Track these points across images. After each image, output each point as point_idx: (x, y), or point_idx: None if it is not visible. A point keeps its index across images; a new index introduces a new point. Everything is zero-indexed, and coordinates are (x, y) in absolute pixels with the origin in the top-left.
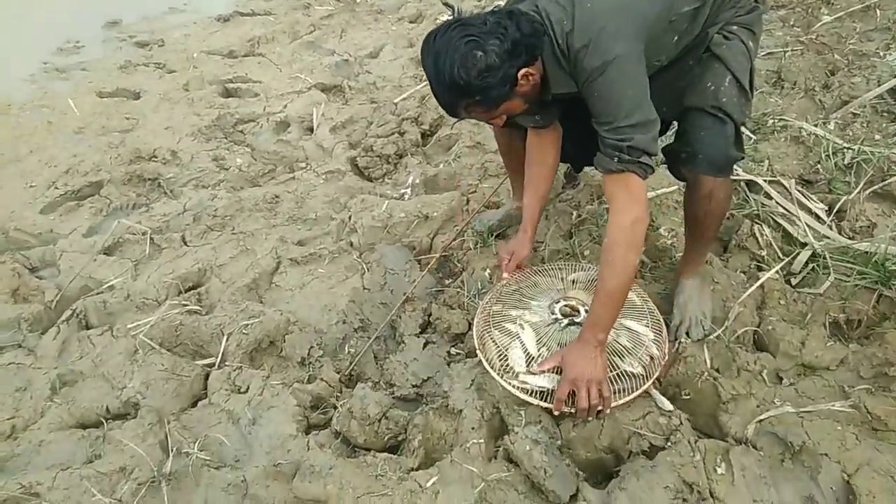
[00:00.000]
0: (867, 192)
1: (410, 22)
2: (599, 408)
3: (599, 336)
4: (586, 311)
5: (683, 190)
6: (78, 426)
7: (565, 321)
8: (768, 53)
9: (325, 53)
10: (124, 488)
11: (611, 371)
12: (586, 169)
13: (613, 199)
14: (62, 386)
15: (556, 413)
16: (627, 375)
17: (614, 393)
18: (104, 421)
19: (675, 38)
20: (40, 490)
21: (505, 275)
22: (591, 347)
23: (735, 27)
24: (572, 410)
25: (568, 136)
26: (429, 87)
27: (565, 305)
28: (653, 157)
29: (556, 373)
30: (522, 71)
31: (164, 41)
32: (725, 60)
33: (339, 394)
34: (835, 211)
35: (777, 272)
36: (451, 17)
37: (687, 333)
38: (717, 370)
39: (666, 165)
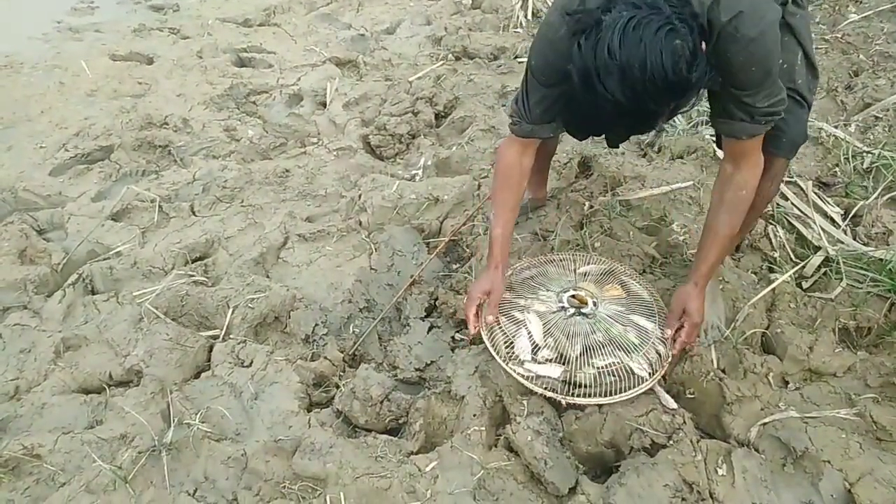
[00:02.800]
0: (885, 198)
1: None
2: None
3: (707, 279)
4: (595, 302)
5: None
6: (80, 391)
7: (571, 310)
8: None
9: (342, 27)
10: (124, 455)
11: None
12: (602, 160)
13: (748, 157)
14: (66, 350)
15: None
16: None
17: (619, 390)
18: (107, 387)
19: None
20: (41, 452)
21: (473, 329)
22: (703, 291)
23: None
24: (580, 402)
25: None
26: (604, 103)
27: (573, 296)
28: None
29: (560, 362)
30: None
31: (179, 6)
32: (797, 33)
33: (342, 373)
34: (850, 216)
35: (789, 275)
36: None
37: (704, 333)
38: (724, 371)
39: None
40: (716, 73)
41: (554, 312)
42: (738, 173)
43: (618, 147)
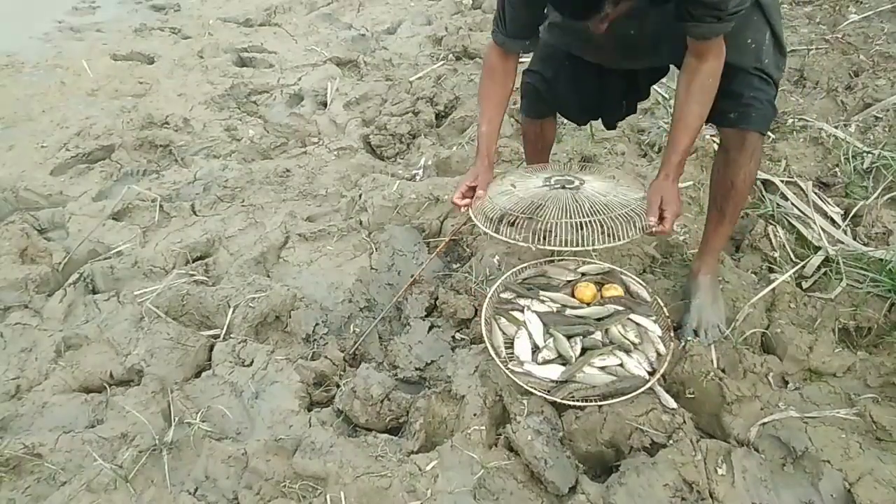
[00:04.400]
0: (885, 198)
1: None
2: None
3: (679, 170)
4: (581, 181)
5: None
6: (81, 390)
7: (556, 183)
8: (792, 51)
9: (342, 27)
10: (125, 454)
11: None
12: (601, 161)
13: (713, 49)
14: (67, 349)
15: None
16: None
17: (618, 392)
18: (107, 386)
19: None
20: (42, 451)
21: (463, 201)
22: (675, 182)
23: None
24: (577, 403)
25: (608, 92)
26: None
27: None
28: None
29: (560, 363)
30: None
31: (180, 6)
32: (766, 11)
33: (342, 372)
34: (850, 216)
35: (788, 275)
36: None
37: (705, 333)
38: (723, 370)
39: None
40: None
41: (539, 188)
42: (706, 64)
43: (615, 127)
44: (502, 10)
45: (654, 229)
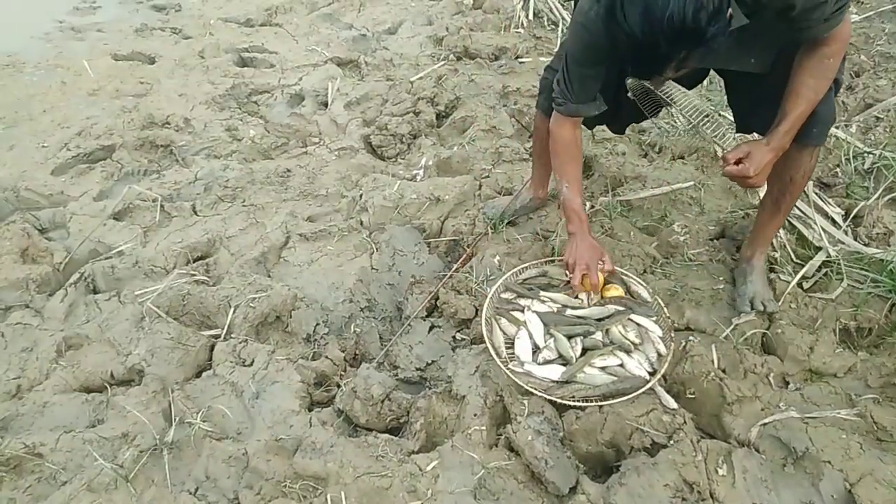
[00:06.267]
0: (886, 198)
1: None
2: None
3: (785, 140)
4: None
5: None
6: (82, 390)
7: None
8: None
9: (343, 27)
10: (126, 454)
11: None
12: (602, 161)
13: (828, 39)
14: (68, 349)
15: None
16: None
17: (618, 392)
18: (108, 386)
19: None
20: (43, 451)
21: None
22: (773, 152)
23: None
24: (577, 403)
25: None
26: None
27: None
28: None
29: (561, 363)
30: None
31: (181, 6)
32: None
33: (343, 372)
34: (851, 216)
35: (789, 275)
36: None
37: (762, 304)
38: (724, 371)
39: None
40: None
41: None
42: (825, 47)
43: (623, 133)
44: (568, 80)
45: (725, 167)
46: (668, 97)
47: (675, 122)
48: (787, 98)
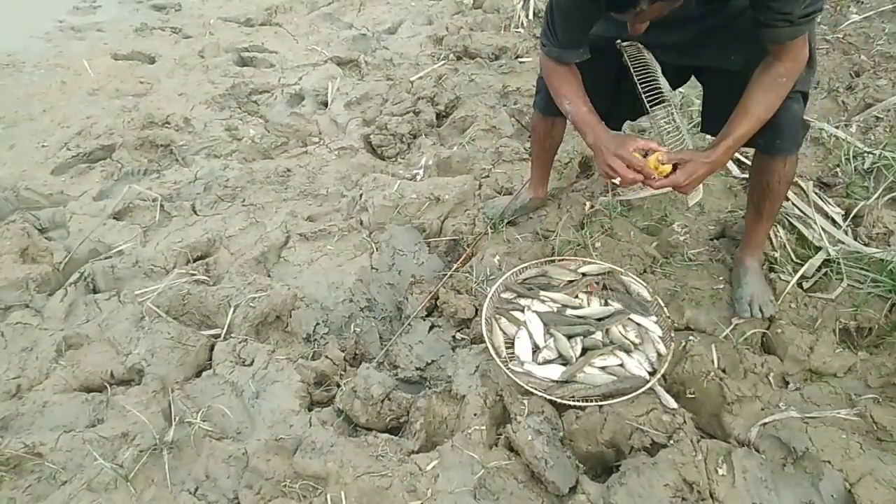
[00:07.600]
0: (886, 198)
1: None
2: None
3: (726, 156)
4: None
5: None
6: (82, 389)
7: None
8: None
9: (343, 26)
10: (126, 454)
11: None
12: None
13: (789, 52)
14: (68, 348)
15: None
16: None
17: (618, 392)
18: (108, 386)
19: None
20: (43, 451)
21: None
22: (713, 167)
23: None
24: (577, 403)
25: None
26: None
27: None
28: None
29: (561, 363)
30: None
31: (181, 5)
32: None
33: (343, 372)
34: (851, 216)
35: (789, 275)
36: None
37: (759, 308)
38: (724, 371)
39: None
40: None
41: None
42: (781, 64)
43: (620, 129)
44: (551, 22)
45: (656, 181)
46: (649, 78)
47: (675, 122)
48: (734, 115)
